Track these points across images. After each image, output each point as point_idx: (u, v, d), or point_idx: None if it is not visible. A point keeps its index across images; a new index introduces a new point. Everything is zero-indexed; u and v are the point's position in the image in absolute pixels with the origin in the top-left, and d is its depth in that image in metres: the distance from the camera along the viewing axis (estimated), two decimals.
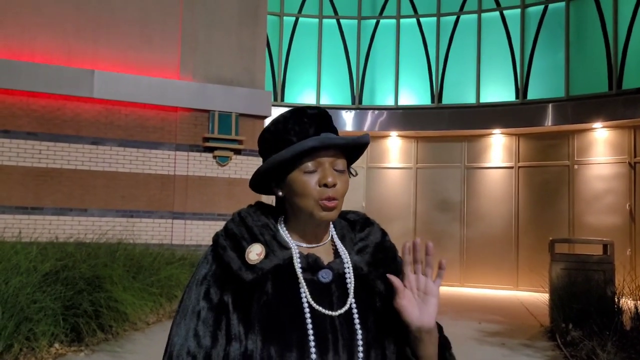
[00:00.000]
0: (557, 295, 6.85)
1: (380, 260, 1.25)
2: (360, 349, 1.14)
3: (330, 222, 1.27)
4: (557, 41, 11.84)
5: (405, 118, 12.22)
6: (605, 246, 7.41)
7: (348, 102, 12.78)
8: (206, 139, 10.42)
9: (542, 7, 12.04)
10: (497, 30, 12.34)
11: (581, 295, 6.52)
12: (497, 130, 12.01)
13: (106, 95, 9.68)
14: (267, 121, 11.71)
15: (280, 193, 1.23)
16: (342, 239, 1.27)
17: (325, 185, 1.16)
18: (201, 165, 10.43)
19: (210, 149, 10.46)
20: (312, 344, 1.12)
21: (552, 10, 11.97)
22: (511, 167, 12.03)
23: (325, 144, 1.17)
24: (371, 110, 12.43)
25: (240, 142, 10.61)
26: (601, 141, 11.25)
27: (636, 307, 6.24)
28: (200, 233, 10.21)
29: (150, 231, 9.83)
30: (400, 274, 1.24)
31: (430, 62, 12.68)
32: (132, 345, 5.81)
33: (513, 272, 11.62)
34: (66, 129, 9.53)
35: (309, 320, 1.14)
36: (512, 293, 11.06)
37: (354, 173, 1.29)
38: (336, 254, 1.24)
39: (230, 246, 1.20)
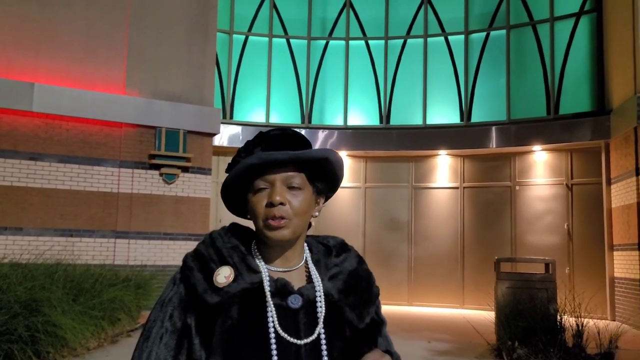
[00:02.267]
0: (503, 314, 6.98)
1: (352, 287, 1.22)
2: None
3: (305, 246, 1.23)
4: (499, 67, 12.29)
5: (354, 138, 12.34)
6: (547, 265, 7.64)
7: (298, 121, 12.79)
8: (152, 156, 10.16)
9: (484, 34, 12.50)
10: (443, 54, 12.71)
11: (526, 313, 6.67)
12: (443, 151, 12.29)
13: (46, 109, 9.30)
14: (217, 138, 11.56)
15: (248, 216, 1.22)
16: (317, 263, 1.23)
17: (271, 204, 1.13)
18: (147, 182, 10.14)
19: (156, 166, 10.20)
20: None
21: (494, 37, 12.44)
22: (456, 188, 12.32)
23: (264, 160, 1.13)
24: (321, 130, 12.49)
25: (188, 159, 10.40)
26: (540, 163, 11.70)
27: (577, 325, 6.44)
28: (145, 253, 9.89)
29: (92, 251, 9.44)
30: (374, 302, 1.23)
31: (378, 84, 12.89)
32: None
33: (459, 290, 11.83)
34: (2, 143, 9.07)
35: (273, 347, 1.09)
36: (458, 311, 11.24)
37: (325, 195, 1.25)
38: (309, 279, 1.20)
39: (198, 267, 1.16)
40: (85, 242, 9.49)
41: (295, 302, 1.14)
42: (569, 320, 6.54)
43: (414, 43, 12.89)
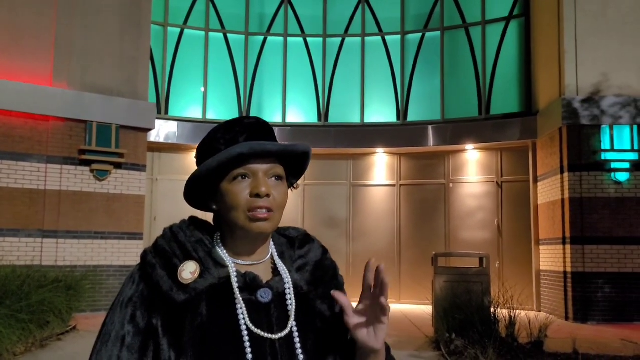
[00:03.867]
0: (441, 307, 7.18)
1: (320, 278, 1.20)
2: None
3: (270, 239, 1.19)
4: (433, 67, 12.62)
5: (293, 135, 12.31)
6: (481, 259, 7.93)
7: None
8: (82, 152, 9.72)
9: (420, 34, 12.79)
10: (380, 54, 12.90)
11: (463, 306, 6.89)
12: (380, 150, 12.49)
13: None
14: (152, 134, 11.21)
15: (214, 206, 1.15)
16: (281, 256, 1.20)
17: (258, 196, 1.08)
18: (76, 179, 9.69)
19: (87, 162, 9.77)
20: None
21: (429, 39, 12.76)
22: (393, 185, 12.55)
23: (254, 150, 1.09)
24: None
25: (121, 155, 10.02)
26: (473, 162, 12.12)
27: (510, 316, 6.72)
28: (75, 253, 9.44)
29: (17, 251, 8.91)
30: (341, 292, 1.20)
31: (317, 81, 12.93)
32: None
33: (396, 285, 12.06)
34: None
35: (247, 344, 1.05)
36: (396, 306, 11.45)
37: (295, 186, 1.23)
38: (275, 272, 1.17)
39: (160, 264, 1.09)
40: (9, 241, 8.94)
41: (265, 296, 1.11)
42: (502, 312, 6.81)
43: (352, 42, 13.02)
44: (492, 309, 6.89)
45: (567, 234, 9.61)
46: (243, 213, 1.09)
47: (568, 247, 9.57)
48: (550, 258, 10.33)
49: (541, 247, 10.84)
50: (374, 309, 1.07)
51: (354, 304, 1.10)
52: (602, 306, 9.29)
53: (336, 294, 1.09)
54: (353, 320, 1.08)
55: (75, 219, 9.58)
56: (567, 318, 9.43)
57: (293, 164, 1.19)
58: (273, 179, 1.12)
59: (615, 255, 9.39)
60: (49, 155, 9.47)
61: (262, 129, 1.16)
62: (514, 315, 6.69)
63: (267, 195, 1.09)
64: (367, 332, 1.08)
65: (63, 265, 9.11)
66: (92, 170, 9.82)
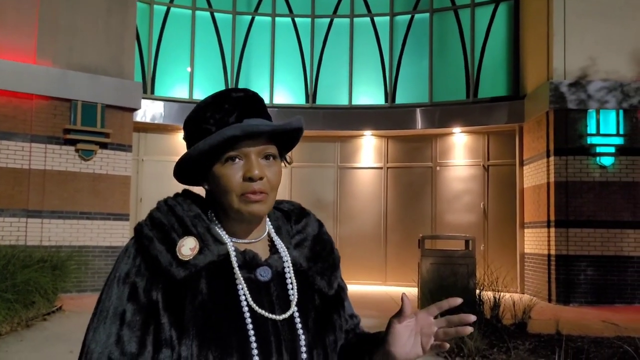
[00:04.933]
0: (427, 288, 7.26)
1: (318, 253, 1.18)
2: (304, 349, 1.07)
3: (266, 217, 1.17)
4: (422, 49, 12.58)
5: (280, 117, 12.21)
6: (467, 242, 8.00)
7: None
8: (67, 131, 9.59)
9: (409, 16, 12.72)
10: (368, 35, 12.82)
11: (448, 287, 6.98)
12: (368, 132, 12.47)
13: None
14: (138, 114, 11.09)
15: (206, 187, 1.12)
16: (278, 231, 1.17)
17: (251, 179, 1.06)
18: (61, 159, 9.57)
19: (72, 142, 9.65)
20: (255, 348, 1.02)
21: (418, 20, 12.69)
22: (380, 168, 12.57)
23: (247, 132, 1.05)
24: None
25: (106, 135, 9.91)
26: (460, 145, 12.16)
27: (495, 298, 6.81)
28: (61, 233, 9.36)
29: (0, 231, 8.81)
30: (338, 266, 1.20)
31: (305, 63, 12.83)
32: None
33: (382, 267, 12.15)
34: None
35: (249, 321, 1.04)
36: (381, 288, 11.54)
37: (288, 160, 1.20)
38: (273, 248, 1.14)
39: (158, 237, 1.06)
40: None
41: (264, 274, 1.09)
42: (487, 294, 6.89)
43: (341, 22, 12.91)
44: (477, 291, 6.97)
45: (552, 218, 9.72)
46: (236, 197, 1.06)
47: (552, 230, 9.69)
48: (535, 241, 10.45)
49: (526, 230, 10.96)
50: (424, 329, 1.07)
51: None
52: (585, 288, 9.45)
53: (405, 297, 1.08)
54: (398, 325, 1.07)
55: (60, 198, 9.48)
56: (550, 300, 9.57)
57: (285, 140, 1.16)
58: (266, 159, 1.09)
59: (599, 238, 9.53)
60: (33, 134, 9.34)
61: (253, 103, 1.11)
62: (499, 297, 6.78)
63: (261, 178, 1.06)
64: (402, 339, 1.07)
65: (48, 245, 9.04)
66: (77, 150, 9.70)
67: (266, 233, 1.16)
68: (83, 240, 9.61)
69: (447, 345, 1.05)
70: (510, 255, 11.24)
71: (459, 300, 1.03)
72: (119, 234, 9.99)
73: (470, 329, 1.00)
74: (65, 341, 5.79)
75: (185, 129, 1.14)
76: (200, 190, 1.16)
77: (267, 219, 1.18)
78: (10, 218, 9.02)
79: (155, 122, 11.66)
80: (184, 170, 1.12)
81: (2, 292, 5.71)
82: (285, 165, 1.18)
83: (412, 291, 8.23)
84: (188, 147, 1.12)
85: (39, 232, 9.20)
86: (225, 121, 1.07)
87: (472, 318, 1.01)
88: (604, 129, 9.60)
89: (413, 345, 1.06)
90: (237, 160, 1.07)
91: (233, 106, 1.09)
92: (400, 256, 11.83)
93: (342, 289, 1.22)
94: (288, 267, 1.12)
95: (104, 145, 9.92)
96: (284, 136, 1.14)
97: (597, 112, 9.63)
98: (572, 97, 9.69)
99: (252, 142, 1.07)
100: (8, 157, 9.13)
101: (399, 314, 1.07)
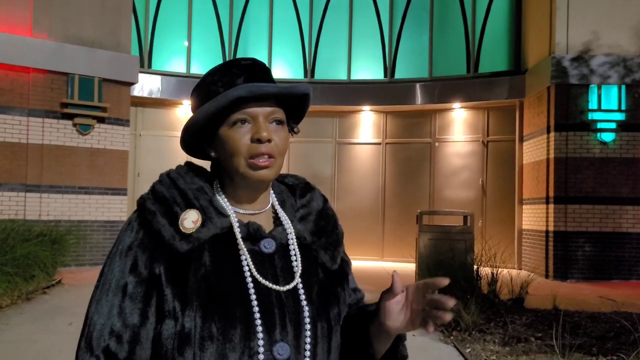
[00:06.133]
0: (424, 264, 7.29)
1: (323, 228, 1.17)
2: (308, 323, 1.07)
3: (270, 187, 1.16)
4: (422, 23, 12.43)
5: None
6: (465, 217, 8.01)
7: None
8: (65, 105, 9.51)
9: None
10: (368, 8, 12.65)
11: (446, 263, 6.99)
12: (366, 107, 12.40)
13: None
14: (136, 88, 10.99)
15: (212, 154, 1.11)
16: (282, 204, 1.17)
17: (259, 141, 1.05)
18: (59, 133, 9.52)
19: (69, 116, 9.58)
20: (258, 319, 1.02)
21: None
22: (379, 143, 12.53)
23: (254, 93, 1.05)
24: None
25: (104, 109, 9.84)
26: (459, 121, 12.10)
27: (492, 273, 6.84)
28: (59, 207, 9.36)
29: None
30: (342, 241, 1.20)
31: (303, 36, 12.69)
32: None
33: (379, 243, 12.19)
34: None
35: (253, 295, 1.03)
36: (378, 263, 11.60)
37: (295, 130, 1.18)
38: (277, 221, 1.14)
39: (161, 211, 1.05)
40: None
41: (268, 246, 1.08)
42: (484, 270, 6.93)
43: None
44: (474, 267, 7.00)
45: (551, 194, 9.72)
46: (244, 160, 1.05)
47: (551, 206, 9.70)
48: (533, 217, 10.47)
49: (524, 207, 10.97)
50: (415, 303, 1.04)
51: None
52: (582, 264, 9.50)
53: (395, 275, 1.06)
54: (390, 302, 1.06)
55: (59, 173, 9.46)
56: (547, 276, 9.64)
57: (293, 107, 1.14)
58: (274, 123, 1.08)
59: (597, 214, 9.55)
60: (31, 108, 9.27)
61: (260, 70, 1.11)
62: (496, 273, 6.82)
63: (269, 141, 1.05)
64: (394, 313, 1.06)
65: (47, 219, 9.04)
66: (74, 124, 9.64)
67: (270, 205, 1.15)
68: (81, 214, 9.62)
69: (432, 329, 1.01)
70: (508, 232, 11.27)
71: (445, 281, 1.01)
72: (117, 209, 9.99)
73: (449, 316, 0.98)
74: (65, 314, 5.83)
75: (192, 97, 1.14)
76: (203, 164, 1.14)
77: (272, 191, 1.17)
78: (8, 192, 9.01)
79: (153, 96, 11.57)
80: (190, 137, 1.11)
81: (2, 265, 5.72)
82: (292, 135, 1.17)
83: (410, 267, 8.27)
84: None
85: (38, 207, 9.20)
86: (233, 83, 1.07)
87: (451, 302, 0.99)
88: (606, 105, 9.54)
89: (404, 319, 1.06)
90: (245, 123, 1.06)
91: (241, 70, 1.09)
92: (397, 232, 11.86)
93: (346, 263, 1.22)
94: (292, 239, 1.12)
95: (101, 120, 9.85)
96: (292, 103, 1.13)
97: (599, 88, 9.56)
98: (574, 72, 9.61)
99: (260, 104, 1.07)
100: (6, 131, 9.08)
101: (389, 291, 1.07)
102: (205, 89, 1.10)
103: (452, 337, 5.36)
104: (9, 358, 4.58)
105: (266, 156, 1.05)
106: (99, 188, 9.86)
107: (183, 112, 11.86)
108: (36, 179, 9.22)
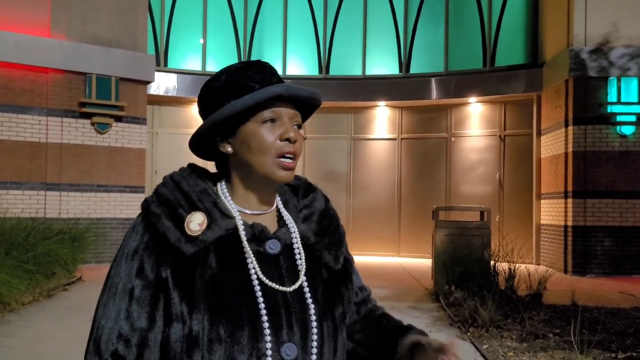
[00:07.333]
0: (440, 260, 7.25)
1: (326, 228, 1.18)
2: (314, 323, 1.07)
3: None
4: (437, 17, 12.34)
5: None
6: (482, 213, 7.95)
7: None
8: (83, 104, 9.63)
9: None
10: (383, 3, 12.59)
11: (462, 258, 6.96)
12: (382, 103, 12.36)
13: None
14: (152, 87, 11.09)
15: (229, 149, 1.09)
16: (286, 205, 1.17)
17: (288, 140, 1.06)
18: (77, 132, 9.64)
19: (87, 115, 9.70)
20: (266, 321, 1.03)
21: None
22: (394, 139, 12.49)
23: (292, 93, 1.07)
24: None
25: (121, 108, 9.95)
26: (475, 115, 12.00)
27: (509, 269, 6.80)
28: (78, 206, 9.49)
29: (20, 204, 8.96)
30: (344, 241, 1.23)
31: (318, 32, 12.68)
32: (6, 327, 5.29)
33: (395, 239, 12.17)
34: None
35: (259, 294, 1.04)
36: (395, 259, 11.59)
37: (303, 134, 1.20)
38: (280, 222, 1.14)
39: (166, 214, 1.06)
40: (13, 194, 8.98)
41: (273, 247, 1.09)
42: (501, 265, 6.88)
43: None
44: (491, 262, 6.96)
45: (570, 188, 9.61)
46: (271, 157, 1.06)
47: (570, 201, 9.59)
48: (551, 212, 10.37)
49: (542, 201, 10.87)
50: None
51: None
52: (602, 259, 9.39)
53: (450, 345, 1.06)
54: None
55: (78, 172, 9.59)
56: (566, 271, 9.54)
57: (304, 112, 1.16)
58: (295, 126, 1.10)
59: (617, 209, 9.42)
60: (50, 107, 9.40)
61: (276, 73, 1.15)
62: (514, 268, 6.77)
63: (295, 141, 1.08)
64: None
65: (67, 217, 9.17)
66: (92, 123, 9.76)
67: (274, 206, 1.15)
68: (100, 212, 9.75)
69: None
70: (526, 227, 11.18)
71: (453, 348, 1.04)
72: (135, 206, 10.10)
73: None
74: (86, 310, 5.89)
75: (208, 92, 1.12)
76: (206, 165, 1.15)
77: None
78: (29, 191, 9.16)
79: (169, 94, 11.66)
80: (209, 132, 1.09)
81: (23, 263, 5.83)
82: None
83: (427, 263, 8.25)
84: (207, 115, 1.09)
85: (58, 205, 9.34)
86: (270, 81, 1.09)
87: None
88: (625, 97, 9.40)
89: None
90: (275, 122, 1.07)
91: (272, 71, 1.12)
92: (414, 228, 11.82)
93: (348, 262, 1.23)
94: (296, 239, 1.12)
95: (118, 119, 9.96)
96: (304, 108, 1.15)
97: (619, 80, 9.42)
98: (593, 65, 9.47)
99: (287, 105, 1.08)
100: (25, 131, 9.22)
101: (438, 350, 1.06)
102: (237, 83, 1.09)
103: (469, 334, 5.34)
104: (31, 354, 4.67)
105: (291, 157, 1.07)
106: (117, 186, 9.98)
107: None
108: (56, 177, 9.36)
